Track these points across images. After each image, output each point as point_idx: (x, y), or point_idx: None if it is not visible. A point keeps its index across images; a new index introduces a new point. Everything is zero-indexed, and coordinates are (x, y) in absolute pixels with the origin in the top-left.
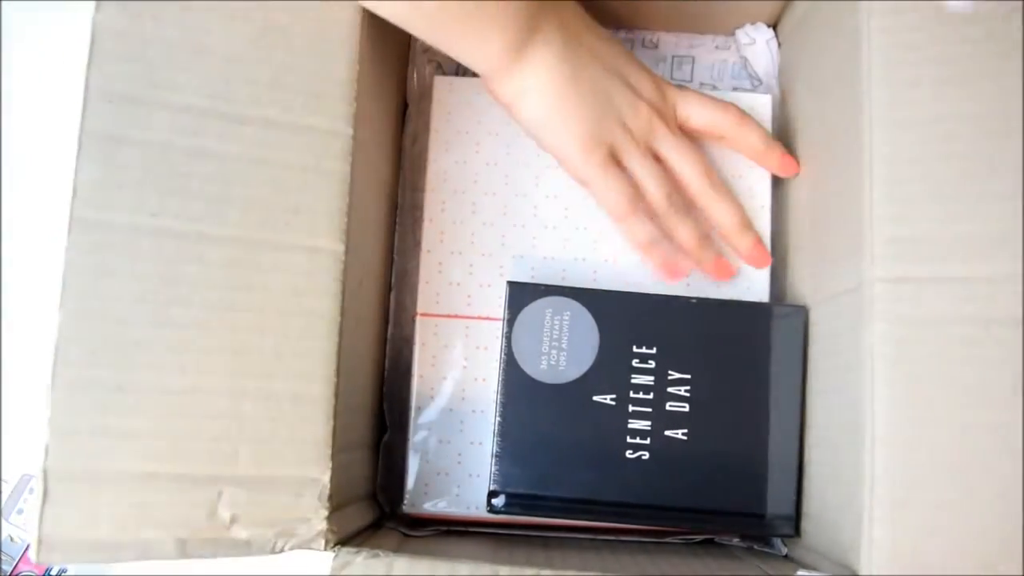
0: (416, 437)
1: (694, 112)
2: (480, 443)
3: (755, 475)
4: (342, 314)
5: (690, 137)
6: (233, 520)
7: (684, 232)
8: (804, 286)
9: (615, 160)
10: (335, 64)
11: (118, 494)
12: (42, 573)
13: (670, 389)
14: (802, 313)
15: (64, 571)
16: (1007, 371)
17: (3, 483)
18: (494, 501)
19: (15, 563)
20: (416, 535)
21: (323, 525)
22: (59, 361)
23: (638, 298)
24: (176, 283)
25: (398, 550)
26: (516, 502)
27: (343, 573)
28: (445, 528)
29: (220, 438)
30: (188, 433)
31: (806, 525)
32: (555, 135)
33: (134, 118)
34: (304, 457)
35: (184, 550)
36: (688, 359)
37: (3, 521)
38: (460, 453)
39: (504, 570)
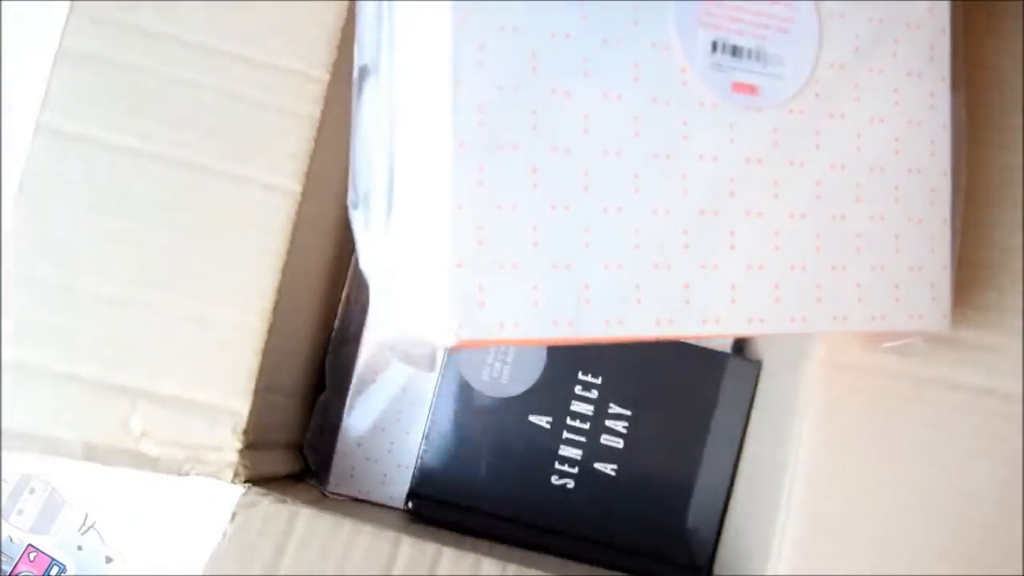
0: (351, 418)
1: None
2: (414, 436)
3: (676, 523)
4: (289, 254)
5: None
6: (144, 434)
7: None
8: None
9: None
10: (323, 10)
11: (38, 388)
12: (42, 573)
13: (608, 422)
14: (755, 368)
15: (64, 570)
16: (931, 432)
17: (3, 483)
18: (411, 503)
19: (15, 563)
20: (334, 496)
21: (234, 458)
22: (7, 254)
23: None
24: (129, 197)
25: (309, 503)
26: (433, 507)
27: (245, 511)
28: (364, 498)
29: (147, 352)
30: (117, 341)
31: (722, 553)
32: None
33: (113, 40)
34: (226, 386)
35: (91, 454)
36: (632, 395)
37: (3, 521)
38: (392, 443)
39: (407, 540)
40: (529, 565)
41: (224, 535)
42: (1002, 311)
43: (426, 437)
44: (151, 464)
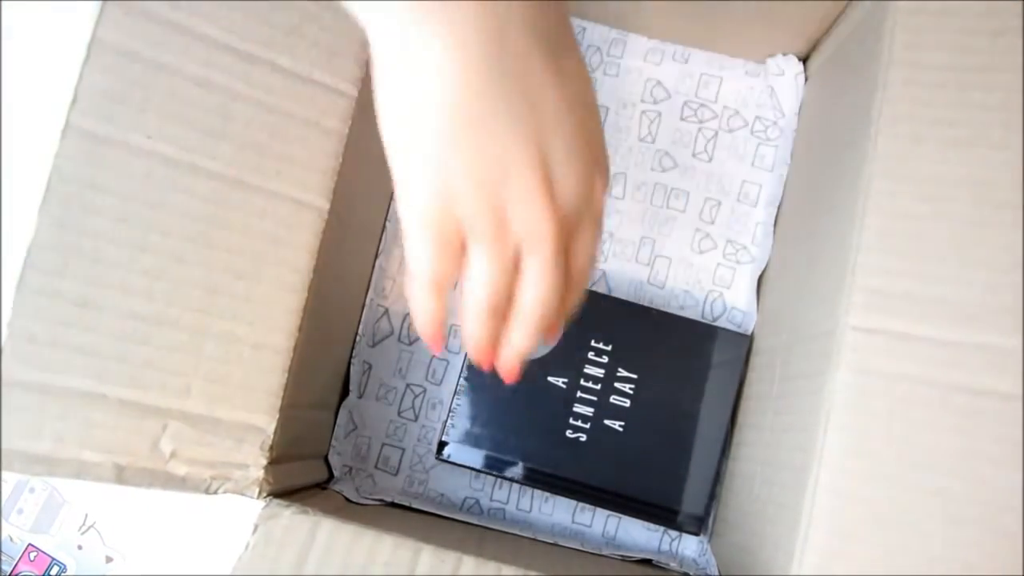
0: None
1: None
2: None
3: (675, 475)
4: (315, 270)
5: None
6: (173, 455)
7: (478, 333)
8: (786, 323)
9: (458, 234)
10: (355, 24)
11: (65, 410)
12: (42, 573)
13: (616, 384)
14: (744, 341)
15: (64, 570)
16: (955, 439)
17: (3, 483)
18: (442, 450)
19: (15, 563)
20: (359, 503)
21: (259, 474)
22: (30, 265)
23: (605, 298)
24: (160, 209)
25: (329, 513)
26: (461, 453)
27: (267, 523)
28: (390, 501)
29: (176, 372)
30: (145, 361)
31: (742, 557)
32: (406, 157)
33: (149, 35)
34: (253, 405)
35: (121, 476)
36: (638, 361)
37: (3, 521)
38: (429, 401)
39: (427, 549)
40: (551, 568)
41: (246, 547)
42: None
43: (456, 395)
44: (179, 484)
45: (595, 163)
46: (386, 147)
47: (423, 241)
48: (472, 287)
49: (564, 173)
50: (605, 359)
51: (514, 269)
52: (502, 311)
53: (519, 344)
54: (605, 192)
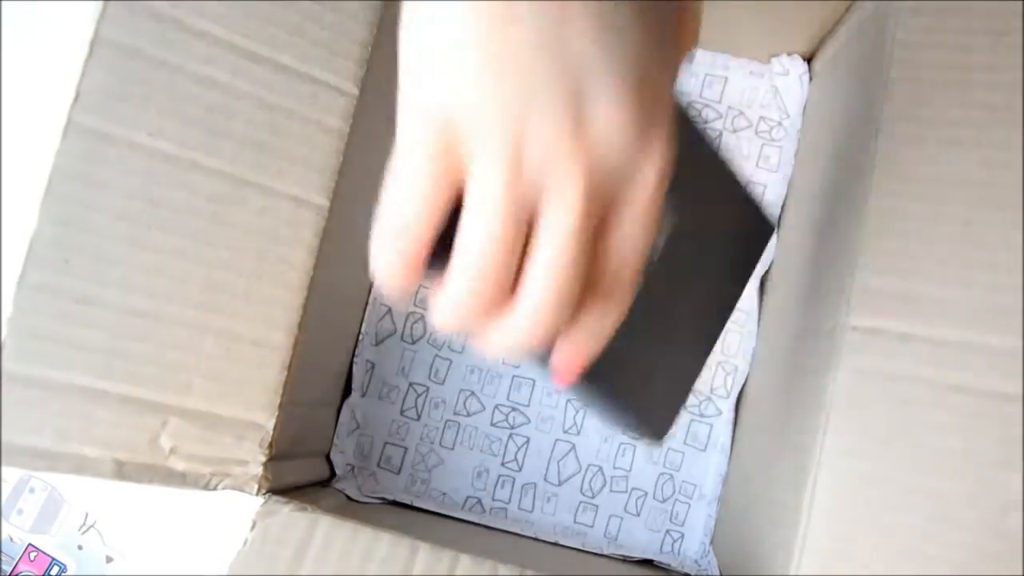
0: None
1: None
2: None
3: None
4: (315, 268)
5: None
6: (173, 451)
7: (465, 299)
8: (788, 322)
9: (455, 164)
10: (355, 24)
11: (66, 406)
12: (42, 573)
13: None
14: (770, 231)
15: (64, 570)
16: (956, 440)
17: (3, 483)
18: None
19: (15, 563)
20: (361, 501)
21: (259, 471)
22: (31, 262)
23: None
24: (161, 206)
25: (331, 510)
26: None
27: (264, 520)
28: (391, 499)
29: (176, 368)
30: (146, 357)
31: (743, 557)
32: (416, 84)
33: (151, 33)
34: (253, 402)
35: (120, 472)
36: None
37: (3, 521)
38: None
39: (424, 547)
40: (552, 568)
41: (244, 543)
42: None
43: None
44: (178, 480)
45: (648, 119)
46: (400, 58)
47: (420, 161)
48: (469, 224)
49: (601, 116)
50: None
51: (525, 227)
52: (500, 282)
53: (522, 325)
54: (664, 171)
